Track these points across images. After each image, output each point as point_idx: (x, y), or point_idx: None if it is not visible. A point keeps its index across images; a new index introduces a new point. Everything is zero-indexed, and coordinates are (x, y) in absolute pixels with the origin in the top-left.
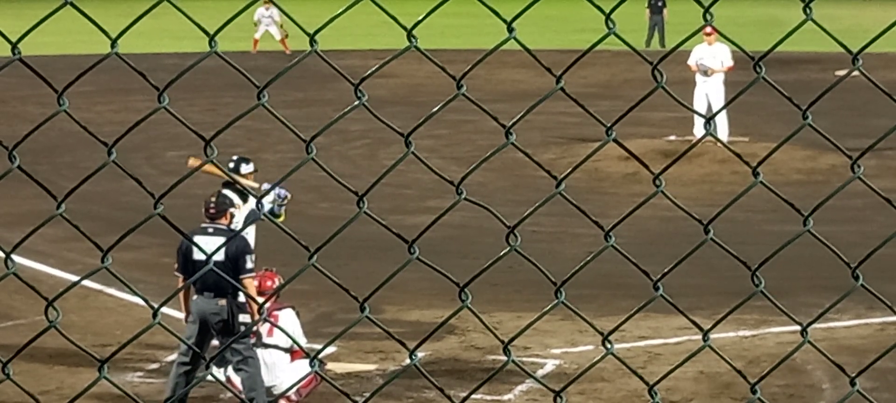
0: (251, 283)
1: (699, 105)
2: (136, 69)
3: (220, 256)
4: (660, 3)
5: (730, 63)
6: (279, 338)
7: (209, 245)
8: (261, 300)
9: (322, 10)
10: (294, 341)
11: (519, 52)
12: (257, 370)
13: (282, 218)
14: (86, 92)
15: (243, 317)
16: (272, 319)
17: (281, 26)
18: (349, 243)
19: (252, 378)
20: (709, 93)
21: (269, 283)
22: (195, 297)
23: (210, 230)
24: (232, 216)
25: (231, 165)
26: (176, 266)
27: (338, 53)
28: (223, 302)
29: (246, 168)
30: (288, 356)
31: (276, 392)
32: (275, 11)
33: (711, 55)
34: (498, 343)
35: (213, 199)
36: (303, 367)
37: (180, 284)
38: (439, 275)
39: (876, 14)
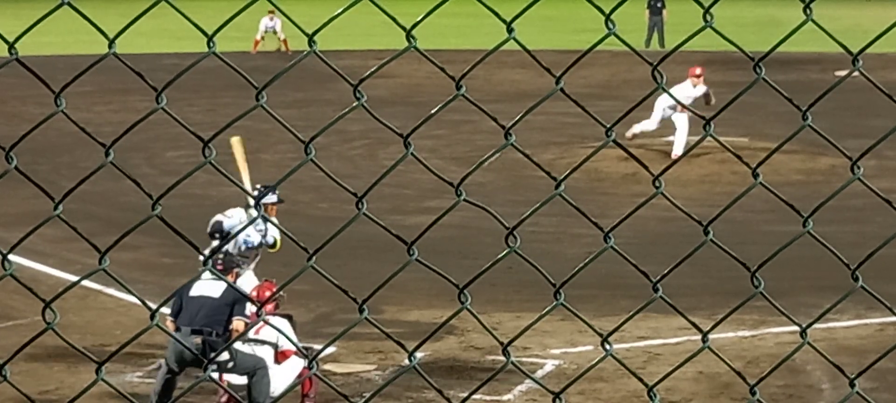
0: (240, 325)
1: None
2: (134, 69)
3: (216, 293)
4: (659, 4)
5: (693, 105)
6: (266, 334)
7: (211, 286)
8: (242, 331)
9: (321, 10)
10: (284, 335)
11: (518, 53)
12: (267, 375)
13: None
14: (84, 92)
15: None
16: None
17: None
18: (349, 243)
19: (262, 384)
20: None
21: (267, 293)
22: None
23: (214, 275)
24: (238, 275)
25: (256, 193)
26: (171, 309)
27: (337, 53)
28: (198, 340)
29: (270, 198)
30: (272, 350)
31: None
32: (278, 22)
33: (688, 97)
34: (497, 344)
35: (221, 256)
36: (290, 367)
37: (167, 324)
38: (439, 276)
39: (876, 14)
